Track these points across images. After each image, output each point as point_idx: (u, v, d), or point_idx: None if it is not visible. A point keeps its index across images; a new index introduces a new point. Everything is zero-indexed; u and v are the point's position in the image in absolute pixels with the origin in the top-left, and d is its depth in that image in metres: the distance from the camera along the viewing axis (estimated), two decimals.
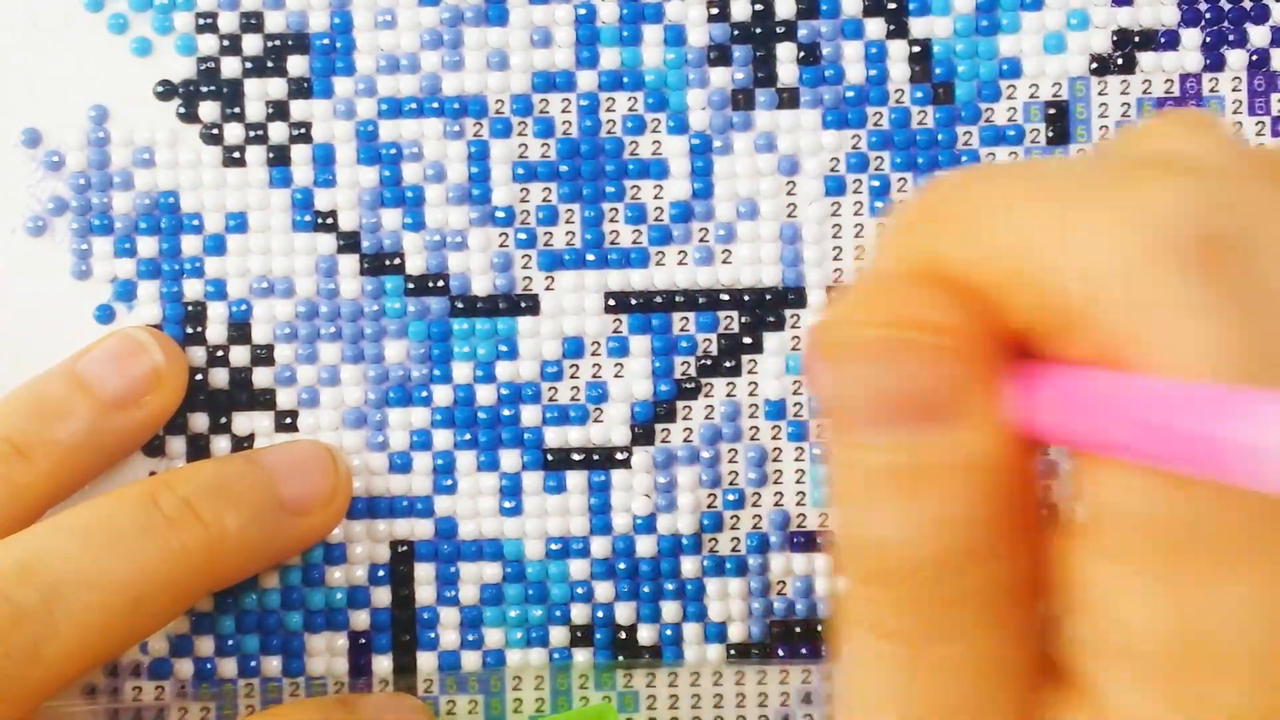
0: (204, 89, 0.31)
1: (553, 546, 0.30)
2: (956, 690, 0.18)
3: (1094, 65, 0.30)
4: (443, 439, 0.30)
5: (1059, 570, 0.17)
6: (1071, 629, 0.17)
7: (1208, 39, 0.30)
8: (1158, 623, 0.16)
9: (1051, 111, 0.30)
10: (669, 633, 0.30)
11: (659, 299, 0.30)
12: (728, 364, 0.30)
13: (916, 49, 0.30)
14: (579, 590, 0.30)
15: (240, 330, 0.30)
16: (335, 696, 0.29)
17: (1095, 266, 0.16)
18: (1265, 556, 0.16)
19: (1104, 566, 0.17)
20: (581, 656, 0.30)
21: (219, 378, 0.30)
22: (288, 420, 0.30)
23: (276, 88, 0.31)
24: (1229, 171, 0.16)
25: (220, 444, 0.30)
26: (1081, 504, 0.17)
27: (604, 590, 0.30)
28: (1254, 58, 0.30)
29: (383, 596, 0.30)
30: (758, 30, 0.30)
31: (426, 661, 0.30)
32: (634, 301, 0.30)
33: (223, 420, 0.30)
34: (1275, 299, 0.15)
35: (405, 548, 0.30)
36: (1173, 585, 0.16)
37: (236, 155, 0.30)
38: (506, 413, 0.30)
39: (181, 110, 0.31)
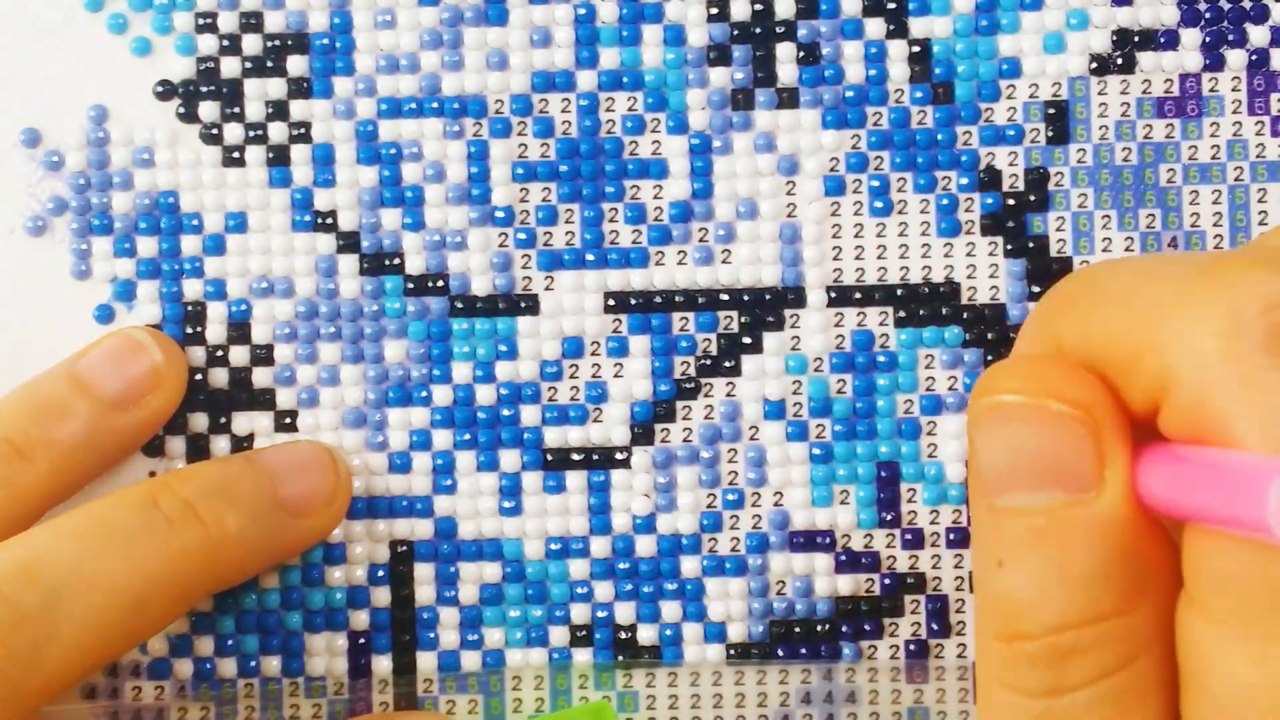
0: (204, 89, 0.31)
1: (553, 546, 0.30)
2: None
3: (1094, 65, 0.30)
4: (442, 439, 0.30)
5: (1177, 635, 0.19)
6: (1187, 692, 0.19)
7: (1207, 39, 0.30)
8: (1252, 682, 0.17)
9: (1051, 111, 0.30)
10: (669, 633, 0.30)
11: (659, 299, 0.30)
12: (728, 364, 0.30)
13: (916, 49, 0.30)
14: (579, 590, 0.30)
15: (240, 330, 0.30)
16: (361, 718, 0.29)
17: (1185, 350, 0.18)
18: None
19: (1206, 629, 0.18)
20: (581, 656, 0.30)
21: (219, 378, 0.30)
22: (288, 420, 0.30)
23: (276, 88, 0.31)
24: None
25: (220, 444, 0.30)
26: (1191, 572, 0.18)
27: (604, 590, 0.30)
28: (1254, 58, 0.30)
29: (382, 596, 0.30)
30: (757, 30, 0.30)
31: (426, 661, 0.30)
32: (634, 301, 0.30)
33: (223, 420, 0.30)
34: None
35: (405, 548, 0.30)
36: (1265, 647, 0.17)
37: (236, 155, 0.30)
38: (506, 413, 0.30)
39: (181, 110, 0.31)
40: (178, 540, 0.26)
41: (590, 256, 0.30)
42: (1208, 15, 0.30)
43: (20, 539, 0.26)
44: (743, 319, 0.30)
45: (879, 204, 0.30)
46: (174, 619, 0.28)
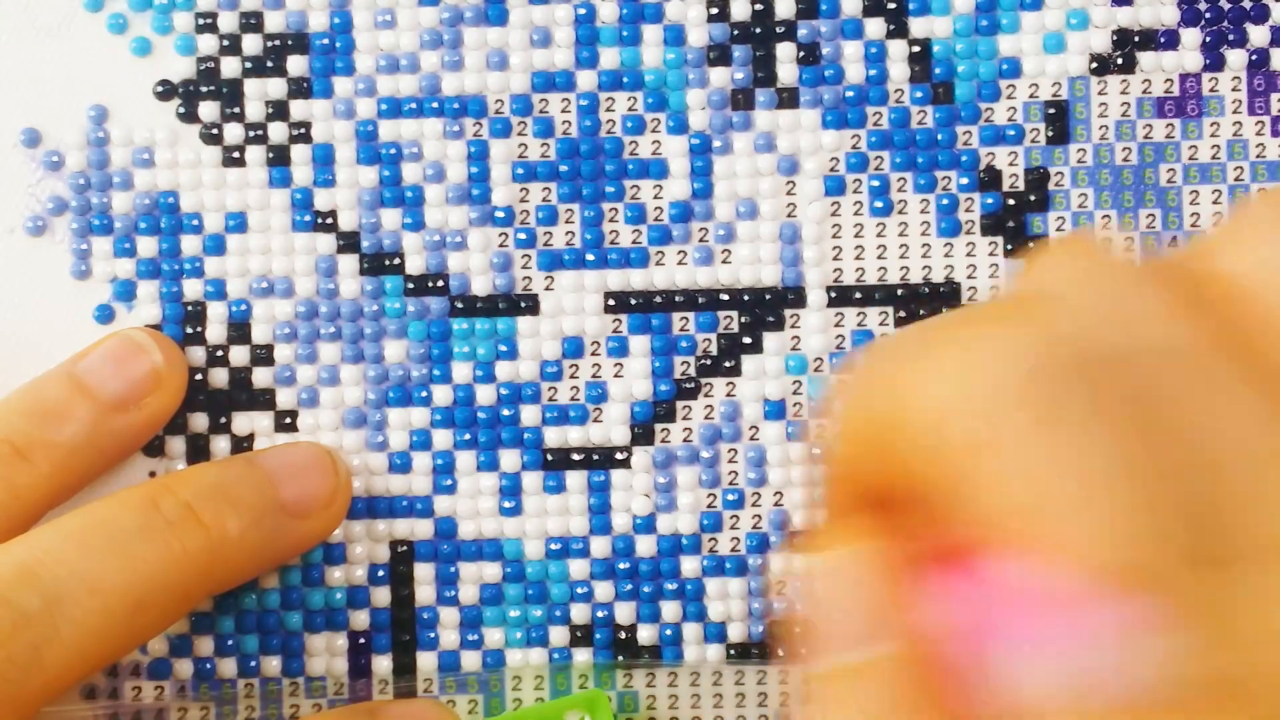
0: (204, 89, 0.31)
1: (553, 546, 0.30)
2: None
3: (1094, 65, 0.30)
4: (443, 439, 0.30)
5: None
6: None
7: (1208, 39, 0.30)
8: None
9: (1051, 111, 0.30)
10: (669, 633, 0.30)
11: (659, 299, 0.30)
12: (728, 364, 0.30)
13: (916, 49, 0.30)
14: (579, 590, 0.30)
15: (240, 330, 0.30)
16: (362, 705, 0.29)
17: (942, 419, 0.17)
18: None
19: None
20: (581, 656, 0.30)
21: (219, 378, 0.30)
22: (288, 420, 0.30)
23: (276, 88, 0.31)
24: (1078, 298, 0.17)
25: (220, 444, 0.30)
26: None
27: (604, 590, 0.30)
28: (1254, 58, 0.30)
29: (383, 596, 0.30)
30: (757, 30, 0.30)
31: (426, 661, 0.30)
32: (634, 301, 0.30)
33: (223, 420, 0.30)
34: (1107, 418, 0.16)
35: (405, 548, 0.30)
36: None
37: (236, 155, 0.30)
38: (506, 413, 0.30)
39: (181, 110, 0.31)
40: (178, 542, 0.26)
41: (590, 256, 0.30)
42: (1208, 15, 0.30)
43: (20, 541, 0.26)
44: (743, 319, 0.30)
45: (879, 204, 0.30)
46: (175, 621, 0.28)
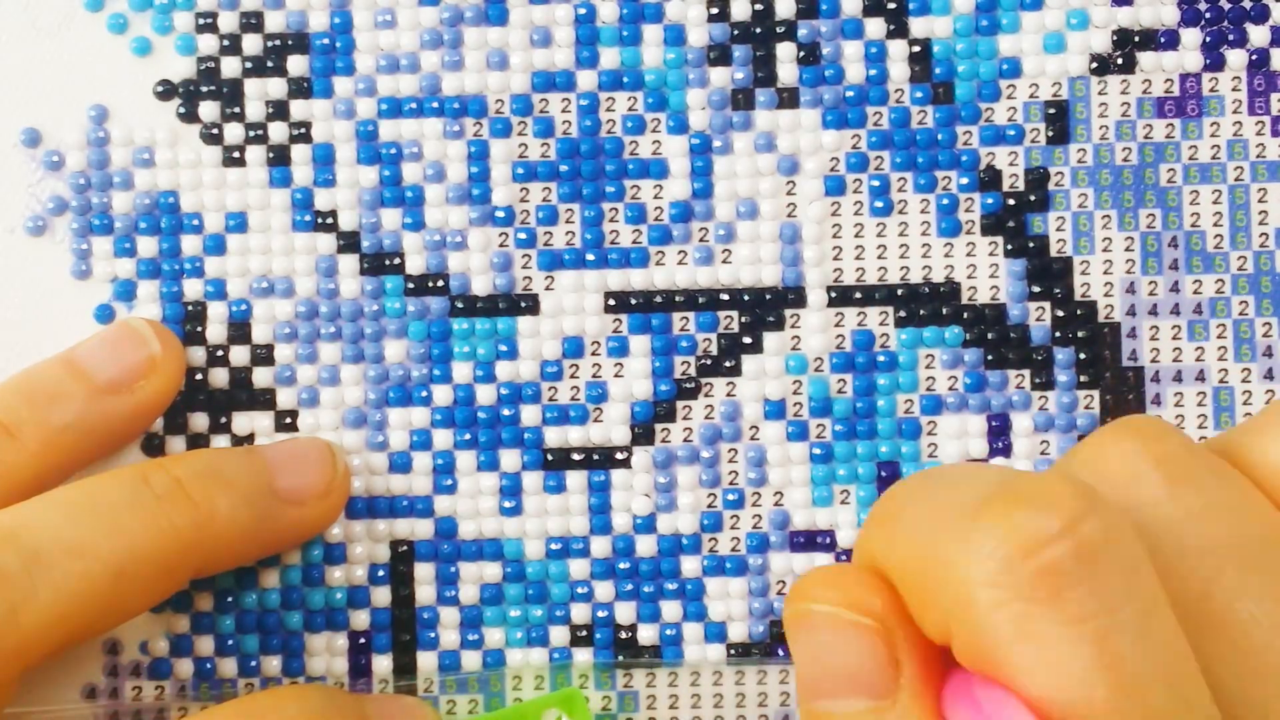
0: (204, 89, 0.31)
1: (553, 546, 0.30)
2: None
3: (1094, 65, 0.30)
4: (443, 439, 0.30)
5: None
6: None
7: (1208, 39, 0.30)
8: None
9: (1051, 111, 0.30)
10: (669, 632, 0.30)
11: (659, 299, 0.30)
12: (728, 364, 0.30)
13: (916, 49, 0.30)
14: (579, 590, 0.30)
15: (240, 330, 0.30)
16: (349, 697, 0.29)
17: (960, 597, 0.17)
18: None
19: None
20: (581, 656, 0.30)
21: (219, 377, 0.30)
22: (287, 420, 0.30)
23: (276, 88, 0.31)
24: (1114, 486, 0.19)
25: (220, 444, 0.30)
26: None
27: (604, 590, 0.30)
28: (1254, 58, 0.30)
29: (383, 596, 0.30)
30: (758, 30, 0.30)
31: (426, 661, 0.30)
32: (634, 301, 0.30)
33: (223, 420, 0.30)
34: (1120, 606, 0.17)
35: (405, 547, 0.30)
36: None
37: (236, 155, 0.30)
38: (506, 412, 0.30)
39: (181, 110, 0.31)
40: (165, 516, 0.26)
41: (590, 256, 0.30)
42: (1208, 15, 0.30)
43: (6, 510, 0.26)
44: (743, 319, 0.30)
45: (879, 204, 0.30)
46: (160, 597, 0.27)
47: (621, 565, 0.30)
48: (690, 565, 0.30)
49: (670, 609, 0.30)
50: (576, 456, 0.30)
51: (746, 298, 0.30)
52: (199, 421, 0.30)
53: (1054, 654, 0.17)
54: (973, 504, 0.18)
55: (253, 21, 0.31)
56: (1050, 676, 0.17)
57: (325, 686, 0.29)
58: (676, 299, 0.30)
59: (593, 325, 0.30)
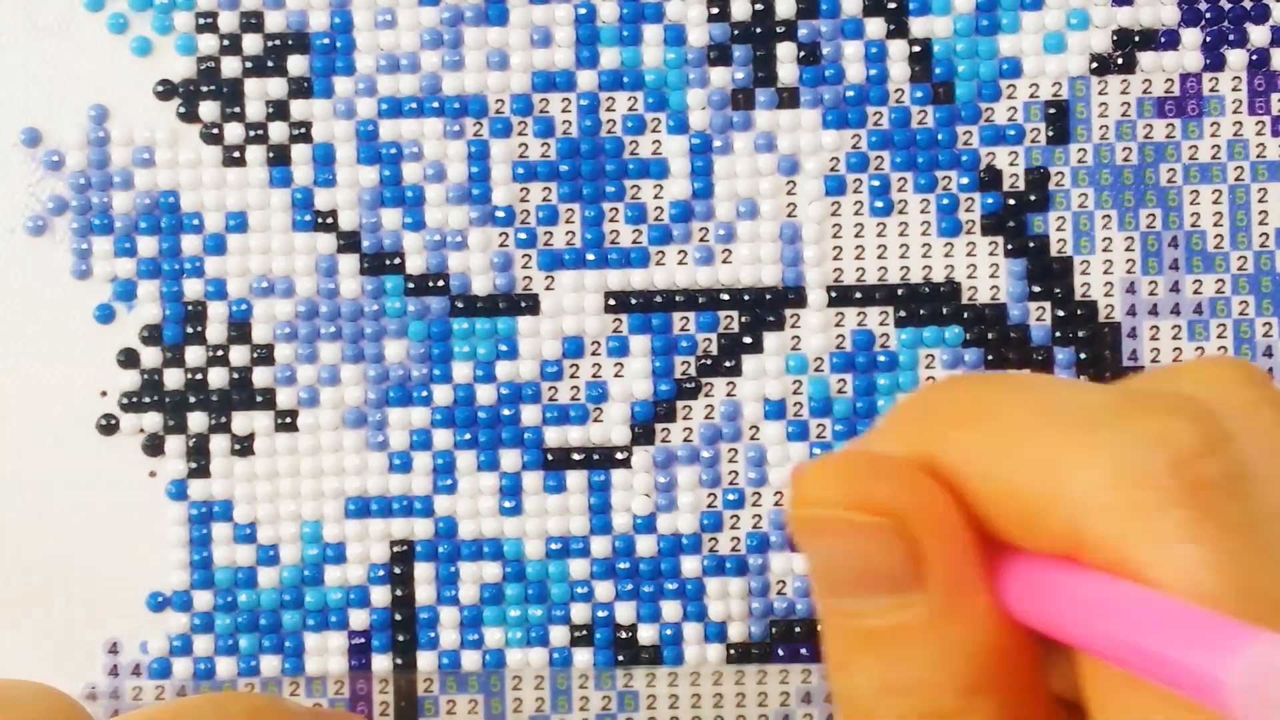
0: (204, 89, 0.31)
1: (553, 546, 0.30)
2: None
3: (1094, 65, 0.30)
4: (443, 439, 0.30)
5: None
6: None
7: (1208, 39, 0.30)
8: None
9: (1051, 111, 0.30)
10: (669, 633, 0.30)
11: (659, 299, 0.30)
12: (728, 364, 0.30)
13: (916, 49, 0.30)
14: (579, 590, 0.30)
15: (240, 330, 0.30)
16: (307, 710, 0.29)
17: (1095, 508, 0.17)
18: None
19: None
20: (581, 656, 0.30)
21: (219, 377, 0.30)
22: (287, 420, 0.30)
23: (276, 87, 0.31)
24: (1232, 415, 0.18)
25: (220, 443, 0.30)
26: (1095, 705, 0.18)
27: (604, 590, 0.30)
28: (1254, 58, 0.30)
29: (382, 596, 0.30)
30: (758, 30, 0.30)
31: (426, 661, 0.30)
32: (634, 301, 0.30)
33: (223, 420, 0.30)
34: (1261, 533, 0.17)
35: (405, 547, 0.30)
36: None
37: (236, 155, 0.30)
38: (506, 412, 0.30)
39: (181, 110, 0.31)
40: None
41: (590, 256, 0.30)
42: (1208, 15, 0.30)
43: None
44: (743, 319, 0.30)
45: (879, 204, 0.30)
46: None
47: (621, 565, 0.30)
48: (690, 565, 0.30)
49: (670, 609, 0.30)
50: (576, 456, 0.30)
51: (746, 298, 0.30)
52: (199, 422, 0.30)
53: (1197, 564, 0.16)
54: (1103, 413, 0.17)
55: (253, 21, 0.31)
56: (1189, 583, 0.16)
57: (274, 696, 0.29)
58: (676, 299, 0.30)
59: (593, 325, 0.30)
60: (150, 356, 0.30)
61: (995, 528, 0.18)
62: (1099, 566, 0.17)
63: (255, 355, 0.30)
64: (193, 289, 0.30)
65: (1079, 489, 0.17)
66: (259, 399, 0.30)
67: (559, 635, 0.30)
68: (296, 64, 0.31)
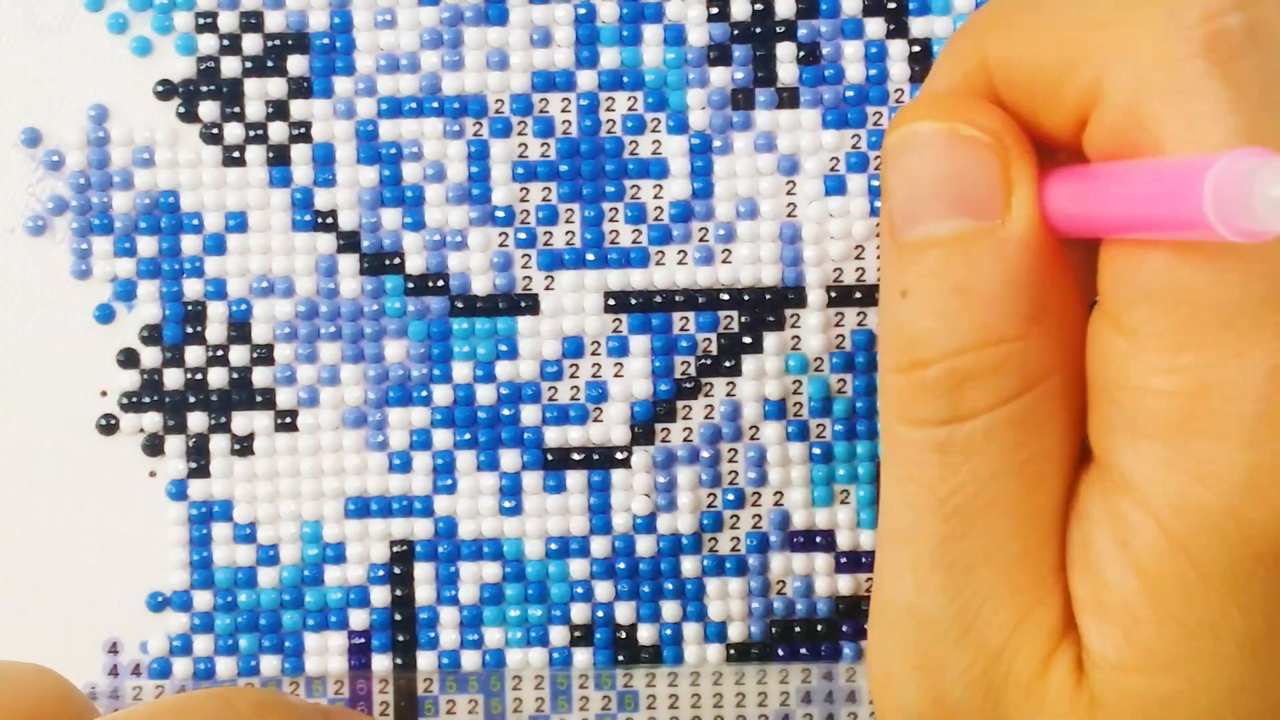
0: (204, 89, 0.31)
1: (553, 546, 0.30)
2: (985, 466, 0.19)
3: None
4: (443, 439, 0.30)
5: (1088, 354, 0.19)
6: (1095, 409, 0.19)
7: None
8: (1164, 388, 0.18)
9: None
10: (669, 633, 0.30)
11: (659, 299, 0.30)
12: (728, 364, 0.30)
13: (916, 49, 0.30)
14: (579, 590, 0.30)
15: (240, 330, 0.30)
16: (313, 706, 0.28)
17: (1121, 56, 0.18)
18: (1267, 323, 0.17)
19: (1119, 343, 0.18)
20: (581, 656, 0.30)
21: (219, 377, 0.30)
22: (287, 420, 0.30)
23: (276, 87, 0.31)
24: None
25: (220, 443, 0.30)
26: (1106, 287, 0.18)
27: (604, 590, 0.30)
28: None
29: (382, 596, 0.30)
30: (758, 30, 0.30)
31: (426, 661, 0.30)
32: (634, 301, 0.30)
33: (223, 420, 0.30)
34: (1274, 92, 0.17)
35: (405, 547, 0.30)
36: (1178, 353, 0.17)
37: (236, 155, 0.30)
38: (506, 412, 0.30)
39: (181, 110, 0.31)
40: None
41: (590, 256, 0.30)
42: None
43: None
44: (743, 319, 0.30)
45: (879, 204, 0.30)
46: None
47: (621, 565, 0.30)
48: (690, 565, 0.30)
49: (670, 609, 0.30)
50: (576, 456, 0.30)
51: (746, 298, 0.30)
52: (199, 422, 0.30)
53: (1209, 113, 0.17)
54: None
55: (253, 21, 0.31)
56: (1193, 134, 0.17)
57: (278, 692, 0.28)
58: (676, 299, 0.30)
59: (593, 325, 0.30)
60: (150, 356, 0.30)
61: (1032, 120, 0.19)
62: (1115, 121, 0.18)
63: (255, 355, 0.30)
64: (193, 289, 0.30)
65: (1108, 45, 0.18)
66: (259, 399, 0.30)
67: (559, 635, 0.30)
68: (296, 64, 0.31)
